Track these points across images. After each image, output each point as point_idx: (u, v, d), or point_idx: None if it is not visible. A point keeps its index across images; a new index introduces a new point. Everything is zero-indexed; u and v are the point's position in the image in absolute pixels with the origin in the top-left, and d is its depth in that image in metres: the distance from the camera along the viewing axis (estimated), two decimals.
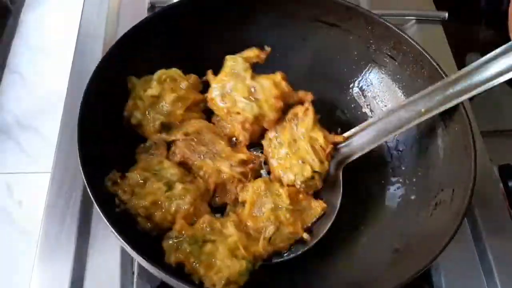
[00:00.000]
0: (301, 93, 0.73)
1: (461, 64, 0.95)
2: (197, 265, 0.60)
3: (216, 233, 0.63)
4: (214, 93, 0.73)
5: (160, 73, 0.74)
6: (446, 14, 1.01)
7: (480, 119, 0.85)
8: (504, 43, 0.65)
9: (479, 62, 0.65)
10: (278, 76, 0.72)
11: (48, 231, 0.72)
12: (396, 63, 0.77)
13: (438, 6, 1.05)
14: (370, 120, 0.71)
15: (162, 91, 0.73)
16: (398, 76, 0.77)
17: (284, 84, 0.72)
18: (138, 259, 0.54)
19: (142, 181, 0.66)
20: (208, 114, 0.77)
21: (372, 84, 0.81)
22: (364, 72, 0.81)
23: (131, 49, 0.72)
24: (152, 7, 0.99)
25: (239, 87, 0.71)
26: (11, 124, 1.28)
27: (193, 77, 0.76)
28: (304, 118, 0.72)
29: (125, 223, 0.60)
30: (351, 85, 0.82)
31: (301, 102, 0.73)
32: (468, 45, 1.11)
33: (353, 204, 0.72)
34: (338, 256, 0.68)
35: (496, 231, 0.75)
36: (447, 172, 0.67)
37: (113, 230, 0.55)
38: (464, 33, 1.15)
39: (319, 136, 0.71)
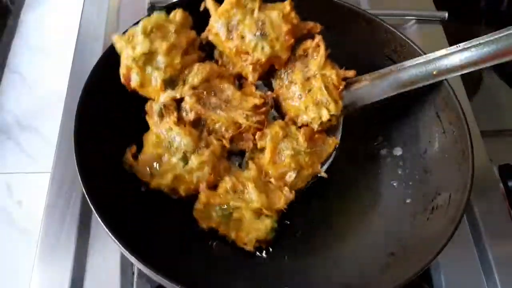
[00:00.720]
0: (311, 24, 0.71)
1: None
2: (229, 230, 0.65)
3: (240, 198, 0.65)
4: (217, 27, 0.68)
5: (144, 23, 0.67)
6: (446, 14, 1.01)
7: (480, 119, 0.85)
8: None
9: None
10: (287, 6, 0.68)
11: (48, 231, 0.72)
12: None
13: (438, 6, 1.05)
14: (381, 71, 0.70)
15: (151, 45, 0.66)
16: None
17: (293, 15, 0.68)
18: (132, 259, 0.54)
19: (157, 160, 0.66)
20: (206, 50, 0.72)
21: None
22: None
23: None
24: (152, 7, 0.99)
25: (247, 22, 0.66)
26: (11, 124, 1.28)
27: (179, 13, 0.69)
28: (315, 54, 0.70)
29: (125, 229, 0.60)
30: None
31: (309, 35, 0.71)
32: None
33: (350, 206, 0.72)
34: (334, 259, 0.68)
35: (496, 231, 0.75)
36: (444, 176, 0.67)
37: (115, 239, 0.55)
38: (464, 33, 1.15)
39: (332, 73, 0.69)
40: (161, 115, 0.68)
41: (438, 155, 0.69)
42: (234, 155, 0.70)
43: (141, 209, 0.67)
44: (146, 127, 0.73)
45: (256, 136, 0.69)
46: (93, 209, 0.57)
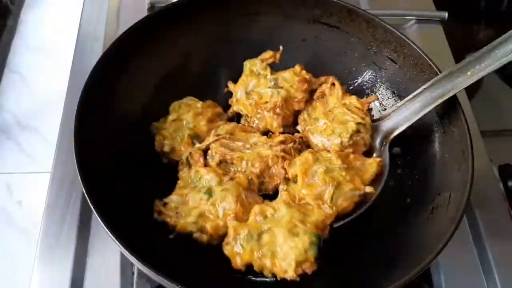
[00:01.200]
0: (323, 78, 0.77)
1: None
2: (262, 259, 0.58)
3: (269, 220, 0.61)
4: (238, 94, 0.75)
5: (173, 104, 0.75)
6: (446, 14, 1.01)
7: (480, 119, 0.85)
8: None
9: None
10: (297, 68, 0.75)
11: (48, 231, 0.72)
12: (397, 66, 0.77)
13: (438, 6, 1.05)
14: (411, 96, 0.70)
15: (180, 114, 0.74)
16: (398, 79, 0.77)
17: (304, 72, 0.75)
18: (131, 259, 0.54)
19: (183, 200, 0.65)
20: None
21: (371, 86, 0.81)
22: (364, 74, 0.81)
23: (129, 48, 0.72)
24: (152, 7, 0.99)
25: (261, 82, 0.74)
26: (11, 124, 1.27)
27: (208, 101, 0.77)
28: (331, 92, 0.74)
29: (125, 229, 0.60)
30: (350, 87, 0.82)
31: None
32: (468, 45, 1.11)
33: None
34: (334, 259, 0.68)
35: (496, 231, 0.75)
36: (444, 176, 0.67)
37: (114, 238, 0.55)
38: (464, 33, 1.15)
39: (352, 99, 0.72)
40: (188, 164, 0.69)
41: (438, 155, 0.69)
42: (271, 198, 0.68)
43: (141, 209, 0.66)
44: (146, 129, 0.73)
45: (285, 165, 0.68)
46: (93, 209, 0.57)
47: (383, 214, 0.72)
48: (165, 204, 0.66)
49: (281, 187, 0.68)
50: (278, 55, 0.77)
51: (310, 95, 0.76)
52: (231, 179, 0.66)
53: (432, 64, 0.71)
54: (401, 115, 0.71)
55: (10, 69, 1.37)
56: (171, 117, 0.74)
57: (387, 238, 0.68)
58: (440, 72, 0.69)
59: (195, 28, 0.79)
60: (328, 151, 0.69)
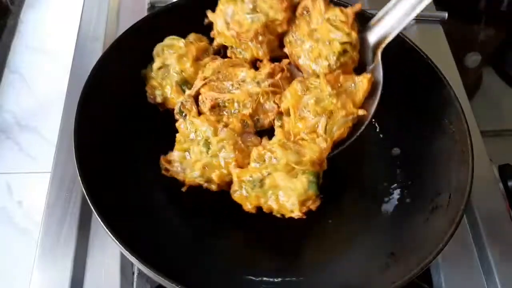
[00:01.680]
0: None
1: (460, 64, 0.95)
2: (269, 202, 0.60)
3: (268, 165, 0.61)
4: (218, 26, 0.70)
5: (156, 48, 0.73)
6: (446, 14, 1.01)
7: (480, 119, 0.85)
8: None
9: None
10: None
11: (48, 231, 0.72)
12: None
13: (438, 6, 1.05)
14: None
15: (164, 59, 0.72)
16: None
17: None
18: (132, 259, 0.54)
19: (184, 155, 0.65)
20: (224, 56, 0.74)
21: None
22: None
23: (129, 48, 0.72)
24: (152, 7, 0.99)
25: (239, 8, 0.68)
26: (11, 124, 1.27)
27: (191, 35, 0.74)
28: (314, 5, 0.68)
29: (125, 229, 0.60)
30: None
31: None
32: (467, 45, 1.11)
33: (349, 207, 0.72)
34: (333, 258, 0.68)
35: (496, 231, 0.75)
36: (444, 176, 0.67)
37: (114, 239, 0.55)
38: (464, 33, 1.15)
39: (336, 12, 0.67)
40: (182, 114, 0.68)
41: (438, 155, 0.69)
42: (268, 134, 0.67)
43: (141, 209, 0.67)
44: (145, 126, 0.73)
45: (276, 100, 0.67)
46: (93, 209, 0.57)
47: (383, 215, 0.72)
48: (169, 162, 0.66)
49: (276, 122, 0.67)
50: None
51: (294, 12, 0.70)
52: (226, 125, 0.65)
53: (431, 64, 0.71)
54: (391, 19, 0.67)
55: (10, 69, 1.37)
56: (155, 65, 0.72)
57: (387, 238, 0.68)
58: (440, 72, 0.69)
59: (195, 28, 0.78)
60: (317, 75, 0.67)
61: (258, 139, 0.66)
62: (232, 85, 0.68)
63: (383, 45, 0.67)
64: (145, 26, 0.75)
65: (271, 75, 0.68)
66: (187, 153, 0.65)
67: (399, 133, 0.75)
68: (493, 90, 1.08)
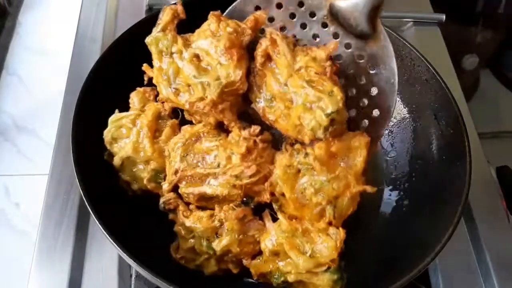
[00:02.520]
0: (251, 19, 0.55)
1: (458, 66, 0.95)
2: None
3: (286, 262, 0.58)
4: (164, 92, 0.59)
5: (105, 137, 0.64)
6: (444, 16, 1.01)
7: (477, 121, 0.85)
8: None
9: None
10: (211, 20, 0.55)
11: (46, 233, 0.72)
12: None
13: (436, 9, 1.05)
14: None
15: (120, 154, 0.64)
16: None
17: (223, 26, 0.54)
18: (130, 262, 0.54)
19: (192, 249, 0.62)
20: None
21: None
22: None
23: (127, 50, 0.72)
24: (150, 9, 0.99)
25: (180, 68, 0.57)
26: (9, 126, 1.27)
27: (135, 98, 0.66)
28: (276, 53, 0.54)
29: (123, 231, 0.60)
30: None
31: (260, 34, 0.57)
32: (465, 47, 1.12)
33: None
34: None
35: (494, 232, 0.75)
36: (441, 178, 0.67)
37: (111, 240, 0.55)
38: (461, 35, 1.15)
39: (307, 62, 0.53)
40: (169, 210, 0.63)
41: (436, 157, 0.69)
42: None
43: (139, 211, 0.66)
44: None
45: (266, 186, 0.59)
46: (90, 211, 0.56)
47: (380, 217, 0.72)
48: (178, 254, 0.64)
49: (274, 206, 0.61)
50: (180, 10, 0.59)
51: (250, 53, 0.57)
52: (220, 221, 0.60)
53: (429, 66, 0.71)
54: None
55: (7, 71, 1.37)
56: (116, 162, 0.64)
57: (385, 240, 0.68)
58: (438, 74, 0.69)
59: (192, 30, 0.78)
60: (303, 144, 0.57)
61: (260, 223, 0.61)
62: (208, 173, 0.59)
63: (381, 10, 0.55)
64: (143, 28, 0.74)
65: (247, 154, 0.58)
66: (193, 247, 0.61)
67: (397, 135, 0.75)
68: (491, 92, 1.08)
